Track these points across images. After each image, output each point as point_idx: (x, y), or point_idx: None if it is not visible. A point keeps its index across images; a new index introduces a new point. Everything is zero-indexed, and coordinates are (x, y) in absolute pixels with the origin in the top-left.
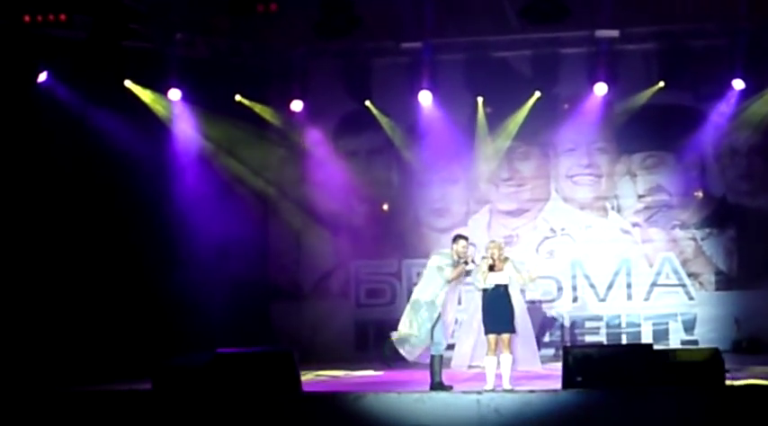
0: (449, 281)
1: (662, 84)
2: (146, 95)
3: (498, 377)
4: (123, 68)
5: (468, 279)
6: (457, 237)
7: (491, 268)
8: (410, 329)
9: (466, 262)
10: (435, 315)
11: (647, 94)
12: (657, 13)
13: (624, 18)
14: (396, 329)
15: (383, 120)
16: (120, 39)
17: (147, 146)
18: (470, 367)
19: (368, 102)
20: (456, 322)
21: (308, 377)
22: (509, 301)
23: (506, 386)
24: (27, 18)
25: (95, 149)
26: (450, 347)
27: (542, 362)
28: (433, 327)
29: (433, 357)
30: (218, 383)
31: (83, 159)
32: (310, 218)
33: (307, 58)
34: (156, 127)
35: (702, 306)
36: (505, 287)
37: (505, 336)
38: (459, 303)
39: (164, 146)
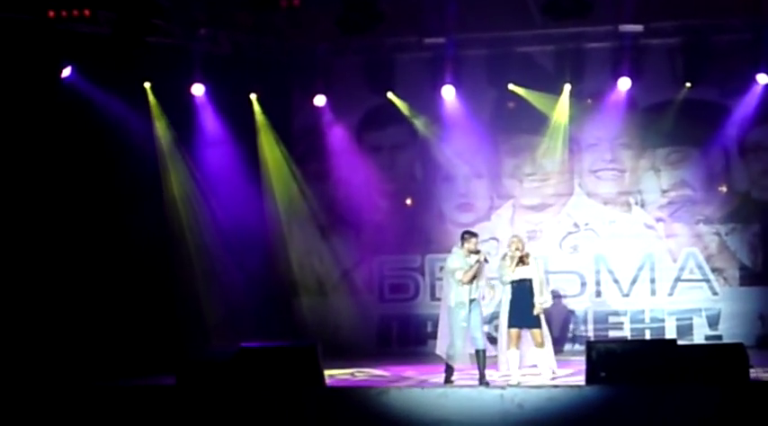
0: (463, 284)
1: (689, 84)
2: (152, 102)
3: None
4: (147, 64)
5: (493, 273)
6: (468, 235)
7: (521, 260)
8: (451, 340)
9: (479, 262)
10: (468, 315)
11: (676, 97)
12: (681, 8)
13: (648, 13)
14: (419, 325)
15: (405, 109)
16: (143, 34)
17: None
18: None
19: (390, 94)
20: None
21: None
22: (533, 297)
23: (548, 375)
24: (51, 13)
25: (119, 145)
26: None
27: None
28: (472, 325)
29: (476, 351)
30: (242, 377)
31: (106, 155)
32: (334, 213)
33: (329, 54)
34: (180, 124)
35: (726, 302)
36: (530, 281)
37: (536, 331)
38: (483, 298)
39: (186, 142)
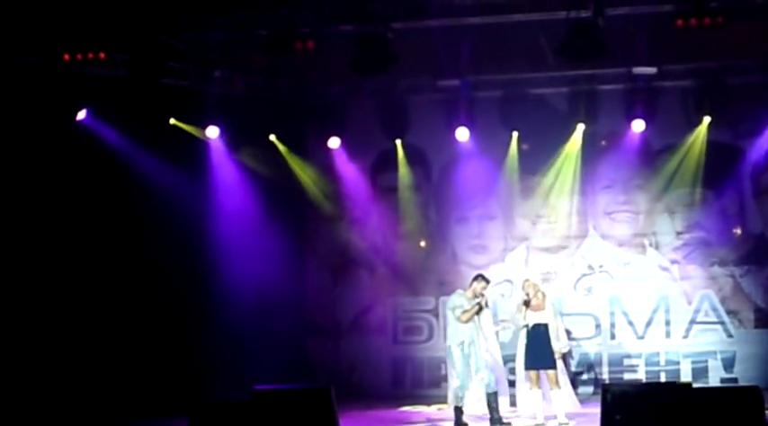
0: (462, 322)
1: (708, 119)
2: (194, 132)
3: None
4: (162, 106)
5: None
6: (478, 277)
7: (526, 303)
8: (453, 381)
9: (479, 304)
10: (468, 354)
11: (697, 134)
12: (695, 50)
13: (661, 55)
14: (433, 368)
15: (402, 162)
16: (158, 77)
17: (187, 185)
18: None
19: (398, 141)
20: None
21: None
22: (549, 338)
23: (563, 420)
24: (66, 56)
25: (134, 188)
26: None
27: (581, 400)
28: (474, 366)
29: (486, 395)
30: (256, 420)
31: (121, 198)
32: (348, 255)
33: (344, 96)
34: (195, 166)
35: (742, 344)
36: (546, 325)
37: (551, 372)
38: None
39: (202, 184)
